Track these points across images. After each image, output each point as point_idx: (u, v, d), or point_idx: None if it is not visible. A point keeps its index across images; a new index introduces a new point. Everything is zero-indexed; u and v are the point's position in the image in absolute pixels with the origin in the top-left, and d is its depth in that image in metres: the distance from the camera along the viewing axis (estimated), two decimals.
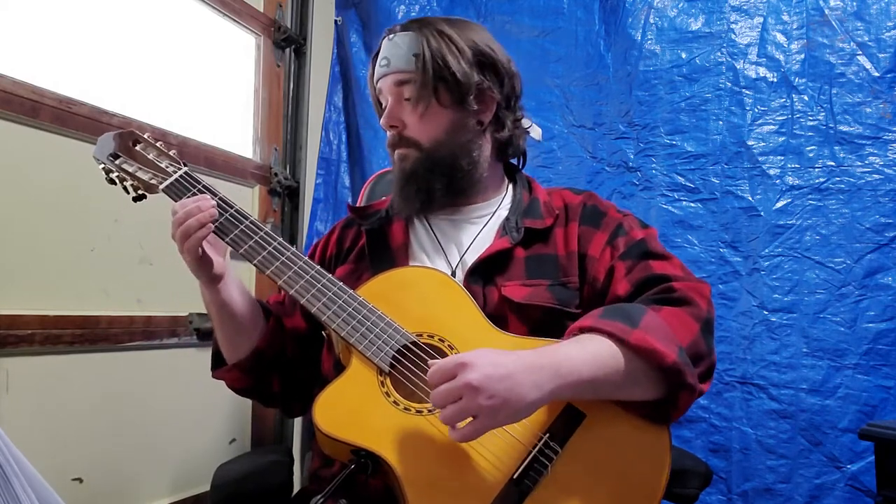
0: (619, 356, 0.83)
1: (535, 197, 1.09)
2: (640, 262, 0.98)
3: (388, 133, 1.06)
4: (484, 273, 1.00)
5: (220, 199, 0.98)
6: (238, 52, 2.00)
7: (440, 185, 1.04)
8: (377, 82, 1.07)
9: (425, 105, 1.02)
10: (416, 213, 1.09)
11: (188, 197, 0.97)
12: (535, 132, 1.15)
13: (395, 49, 1.03)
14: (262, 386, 1.09)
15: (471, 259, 1.02)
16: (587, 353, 0.83)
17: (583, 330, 0.86)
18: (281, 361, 1.08)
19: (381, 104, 1.09)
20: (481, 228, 1.07)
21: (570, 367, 0.81)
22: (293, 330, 1.11)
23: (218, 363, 1.10)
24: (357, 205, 1.39)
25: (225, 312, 1.02)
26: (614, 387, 0.83)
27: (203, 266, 0.96)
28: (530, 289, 0.98)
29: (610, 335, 0.84)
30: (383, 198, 1.19)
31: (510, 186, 1.13)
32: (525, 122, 1.12)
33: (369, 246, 1.08)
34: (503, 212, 1.08)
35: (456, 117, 1.03)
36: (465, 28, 1.05)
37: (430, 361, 0.81)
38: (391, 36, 1.05)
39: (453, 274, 1.02)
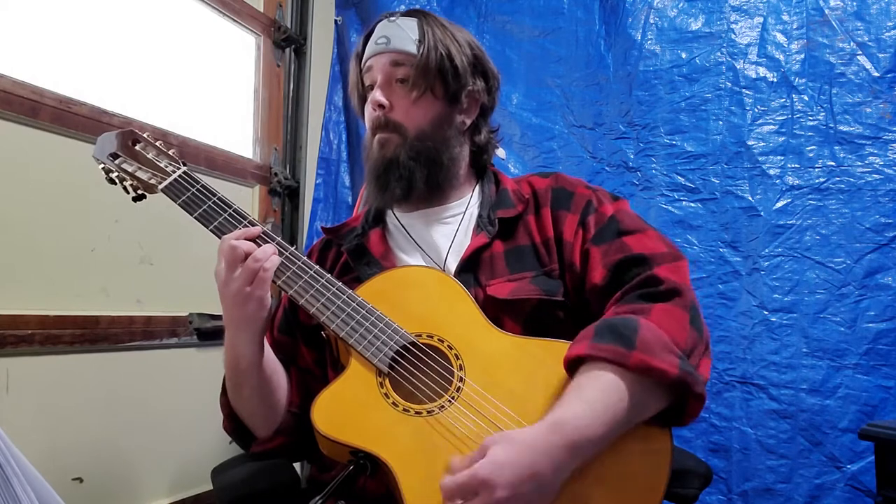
0: (622, 386, 0.79)
1: (504, 188, 1.08)
2: (614, 242, 0.95)
3: (373, 114, 1.03)
4: (469, 273, 0.99)
5: (219, 198, 0.97)
6: (238, 52, 2.00)
7: (421, 176, 1.02)
8: (367, 60, 1.05)
9: (420, 91, 1.01)
10: (393, 202, 1.06)
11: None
12: (500, 152, 1.16)
13: (396, 30, 1.02)
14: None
15: (453, 262, 1.01)
16: (594, 406, 0.78)
17: (580, 359, 0.82)
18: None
19: (363, 83, 1.07)
20: (456, 229, 1.05)
21: (583, 437, 0.77)
22: (308, 370, 1.07)
23: (249, 437, 1.01)
24: (356, 206, 1.39)
25: (267, 369, 0.97)
26: (627, 423, 0.80)
27: (264, 310, 0.91)
28: (515, 283, 0.96)
29: (607, 361, 0.80)
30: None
31: (478, 185, 1.12)
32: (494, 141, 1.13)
33: (353, 261, 1.05)
34: (473, 209, 1.07)
35: (444, 111, 1.04)
36: (461, 30, 1.07)
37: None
38: (392, 18, 1.04)
39: None
